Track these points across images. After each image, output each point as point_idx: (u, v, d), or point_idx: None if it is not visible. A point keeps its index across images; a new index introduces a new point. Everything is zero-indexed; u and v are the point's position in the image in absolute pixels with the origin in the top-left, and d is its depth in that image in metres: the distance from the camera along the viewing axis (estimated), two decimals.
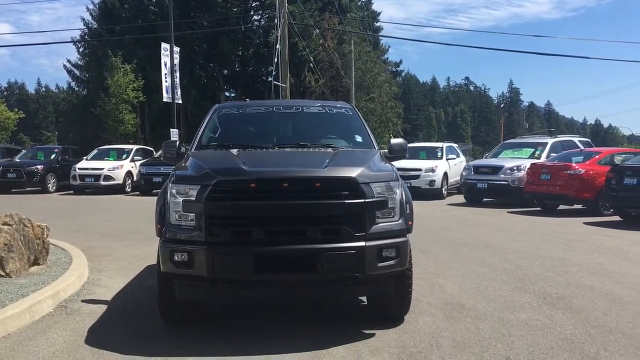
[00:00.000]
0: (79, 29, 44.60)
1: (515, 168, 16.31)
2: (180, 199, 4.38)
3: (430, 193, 18.54)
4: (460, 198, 18.42)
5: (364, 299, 5.44)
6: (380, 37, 49.64)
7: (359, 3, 47.68)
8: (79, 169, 21.60)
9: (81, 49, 43.28)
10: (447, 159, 20.03)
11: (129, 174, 22.24)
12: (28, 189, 22.04)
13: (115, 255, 8.29)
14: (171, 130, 23.28)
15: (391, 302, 4.87)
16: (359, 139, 6.02)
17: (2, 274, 5.93)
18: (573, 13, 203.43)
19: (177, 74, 26.15)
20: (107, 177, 21.50)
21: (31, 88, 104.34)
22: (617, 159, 14.41)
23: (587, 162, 14.38)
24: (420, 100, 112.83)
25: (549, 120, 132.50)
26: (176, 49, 25.80)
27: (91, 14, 42.65)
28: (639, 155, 14.33)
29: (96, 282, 6.52)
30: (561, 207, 15.18)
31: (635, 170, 12.08)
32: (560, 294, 5.97)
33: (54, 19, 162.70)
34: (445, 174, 19.35)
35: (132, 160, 22.75)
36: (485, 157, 21.38)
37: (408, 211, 4.63)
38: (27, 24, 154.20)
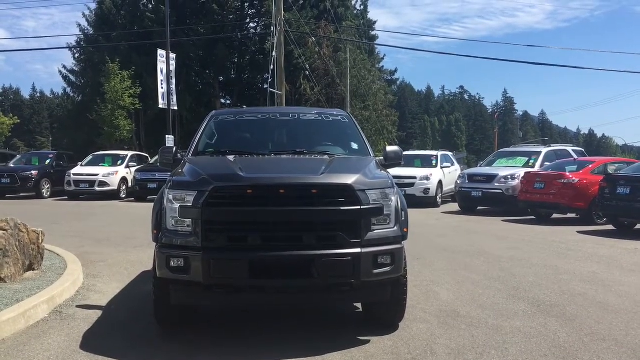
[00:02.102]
0: (74, 35, 44.81)
1: (509, 177, 16.39)
2: (177, 205, 4.39)
3: (425, 201, 18.59)
4: (455, 206, 18.48)
5: (358, 305, 5.46)
6: (376, 46, 49.94)
7: (355, 12, 47.97)
8: (74, 174, 21.54)
9: (77, 55, 43.35)
10: (441, 168, 20.10)
11: (123, 180, 22.19)
12: (22, 194, 21.91)
13: (110, 261, 8.27)
14: (166, 136, 23.27)
15: (386, 308, 4.89)
16: (355, 146, 6.05)
17: None
18: (566, 24, 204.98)
19: (173, 81, 26.16)
20: (102, 183, 21.44)
21: (26, 93, 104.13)
22: (610, 169, 14.50)
23: (581, 172, 14.46)
24: (415, 109, 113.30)
25: (542, 130, 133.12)
26: (172, 55, 25.81)
27: (87, 20, 42.82)
28: (632, 164, 14.41)
29: (91, 288, 6.51)
30: (555, 215, 15.23)
31: (628, 179, 12.16)
32: (554, 302, 6.00)
33: (50, 25, 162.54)
34: (440, 182, 19.41)
35: (127, 167, 22.69)
36: (480, 166, 21.46)
37: (403, 218, 4.64)
38: (22, 29, 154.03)
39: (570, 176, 14.22)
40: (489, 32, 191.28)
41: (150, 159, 24.35)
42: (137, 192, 20.94)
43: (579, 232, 12.35)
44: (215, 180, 4.39)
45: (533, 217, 15.22)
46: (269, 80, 27.24)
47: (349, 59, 38.45)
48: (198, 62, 41.05)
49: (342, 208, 4.31)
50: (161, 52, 25.64)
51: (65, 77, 43.71)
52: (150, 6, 40.90)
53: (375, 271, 4.35)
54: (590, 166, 14.84)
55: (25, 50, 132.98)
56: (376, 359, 4.25)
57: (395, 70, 60.73)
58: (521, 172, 16.12)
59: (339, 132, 6.36)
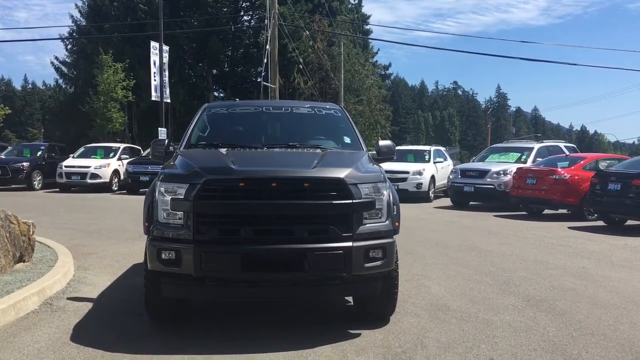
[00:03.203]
0: (67, 26, 44.43)
1: (501, 172, 16.45)
2: (168, 197, 4.38)
3: (418, 196, 18.64)
4: (447, 201, 18.53)
5: (350, 299, 5.47)
6: (370, 40, 49.92)
7: (349, 6, 47.87)
8: (66, 166, 21.43)
9: (69, 46, 43.06)
10: (434, 162, 20.12)
11: (116, 172, 22.11)
12: (13, 186, 21.77)
13: (101, 253, 8.25)
14: (159, 129, 23.21)
15: (377, 302, 4.90)
16: (347, 140, 6.05)
17: None
18: (560, 20, 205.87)
19: (166, 73, 26.04)
20: (94, 175, 21.35)
21: (17, 84, 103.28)
22: (602, 165, 14.58)
23: (573, 168, 14.52)
24: (408, 104, 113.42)
25: (535, 126, 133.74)
26: (165, 47, 25.68)
27: (80, 11, 42.54)
28: (624, 161, 14.50)
29: (82, 280, 6.49)
30: (546, 211, 15.32)
31: (619, 176, 12.23)
32: (544, 296, 6.04)
33: (42, 16, 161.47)
34: (433, 177, 19.44)
35: (120, 159, 22.61)
36: (472, 161, 21.50)
37: (395, 212, 4.65)
38: (13, 20, 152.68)
39: (562, 172, 14.28)
40: (482, 28, 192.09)
41: (142, 152, 24.25)
42: (129, 184, 20.90)
43: (569, 227, 12.42)
44: (207, 173, 4.39)
45: (524, 213, 15.29)
46: (263, 73, 27.15)
47: (342, 53, 38.42)
48: (191, 55, 40.89)
49: (334, 202, 4.31)
50: (154, 44, 25.51)
51: (57, 69, 43.48)
52: None
53: (367, 265, 4.36)
54: (582, 162, 14.90)
55: (17, 41, 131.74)
56: (367, 352, 4.26)
57: (389, 65, 60.82)
58: (513, 167, 16.18)
59: (331, 126, 6.36)
